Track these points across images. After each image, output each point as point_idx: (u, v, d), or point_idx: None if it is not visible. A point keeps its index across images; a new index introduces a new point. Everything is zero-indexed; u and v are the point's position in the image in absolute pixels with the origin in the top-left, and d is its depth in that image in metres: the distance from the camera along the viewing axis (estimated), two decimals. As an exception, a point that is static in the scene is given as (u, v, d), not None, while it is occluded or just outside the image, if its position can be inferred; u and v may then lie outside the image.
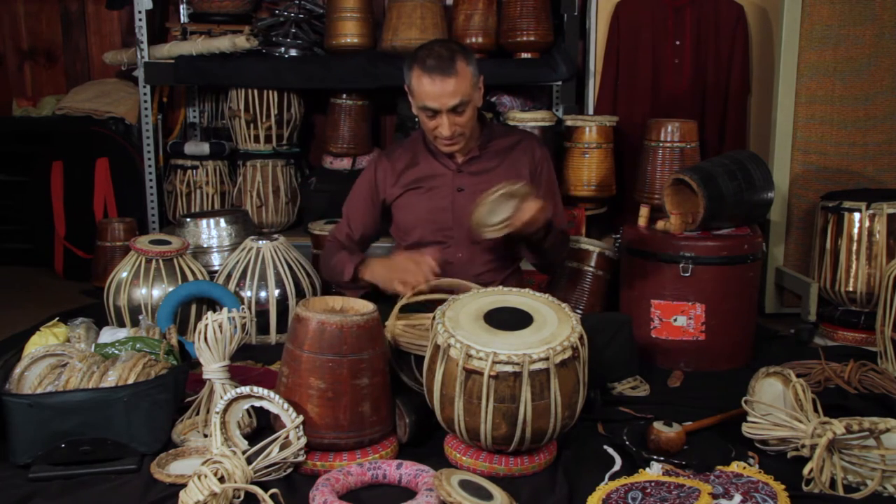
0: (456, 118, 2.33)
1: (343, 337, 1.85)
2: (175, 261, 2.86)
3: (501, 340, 1.83)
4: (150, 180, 3.70)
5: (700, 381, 2.56)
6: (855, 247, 2.90)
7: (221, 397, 1.94)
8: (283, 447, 1.82)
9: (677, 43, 3.45)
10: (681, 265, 2.63)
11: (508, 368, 1.78)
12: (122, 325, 2.78)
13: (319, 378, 1.85)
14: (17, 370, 2.06)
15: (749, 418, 1.97)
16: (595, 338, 2.05)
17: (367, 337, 1.88)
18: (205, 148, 3.76)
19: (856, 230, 2.89)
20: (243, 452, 1.80)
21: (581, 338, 1.88)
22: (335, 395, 1.85)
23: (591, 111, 3.57)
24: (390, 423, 1.98)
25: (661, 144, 3.12)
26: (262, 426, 2.04)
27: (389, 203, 2.54)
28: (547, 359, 1.79)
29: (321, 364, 1.85)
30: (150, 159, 3.68)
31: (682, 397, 2.42)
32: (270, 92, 3.64)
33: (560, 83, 3.50)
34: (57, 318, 2.51)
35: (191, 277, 2.85)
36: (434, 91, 2.28)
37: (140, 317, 2.66)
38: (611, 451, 1.99)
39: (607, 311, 3.03)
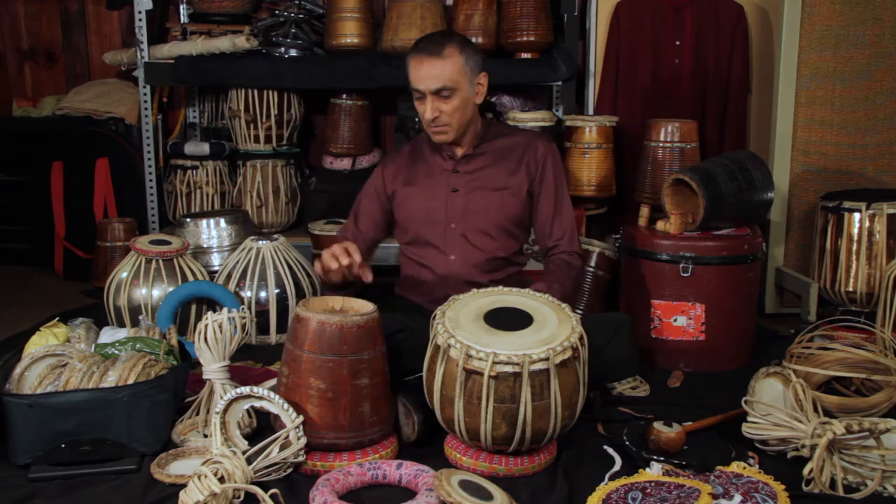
0: (441, 104, 2.31)
1: (343, 337, 1.85)
2: (175, 261, 2.86)
3: (501, 341, 1.82)
4: (150, 180, 3.70)
5: (700, 381, 2.56)
6: (855, 247, 2.89)
7: (221, 397, 1.94)
8: (283, 447, 1.82)
9: (677, 43, 3.45)
10: (681, 265, 2.63)
11: (508, 369, 1.78)
12: (122, 325, 2.78)
13: (319, 378, 1.85)
14: (17, 370, 2.06)
15: (749, 418, 1.97)
16: (595, 338, 2.04)
17: (367, 337, 1.88)
18: (205, 148, 3.76)
19: (856, 230, 2.89)
20: (243, 452, 1.80)
21: (581, 338, 1.88)
22: (335, 395, 1.85)
23: (591, 111, 3.56)
24: (390, 423, 1.98)
25: (661, 144, 3.11)
26: (262, 426, 2.04)
27: (391, 195, 2.52)
28: (547, 359, 1.79)
29: (321, 364, 1.85)
30: (150, 159, 3.68)
31: (682, 397, 2.42)
32: (270, 92, 3.64)
33: (560, 83, 3.50)
34: (57, 318, 2.51)
35: (191, 277, 2.85)
36: (420, 73, 2.30)
37: (140, 317, 2.66)
38: (611, 451, 1.99)
39: (607, 312, 3.03)
